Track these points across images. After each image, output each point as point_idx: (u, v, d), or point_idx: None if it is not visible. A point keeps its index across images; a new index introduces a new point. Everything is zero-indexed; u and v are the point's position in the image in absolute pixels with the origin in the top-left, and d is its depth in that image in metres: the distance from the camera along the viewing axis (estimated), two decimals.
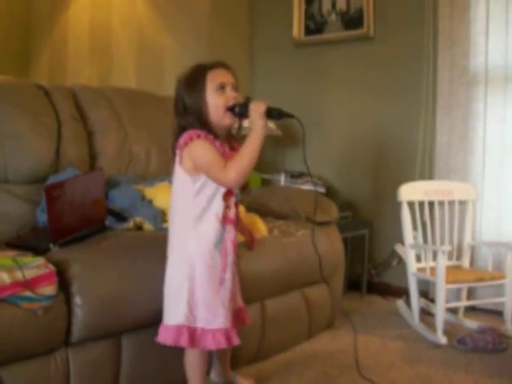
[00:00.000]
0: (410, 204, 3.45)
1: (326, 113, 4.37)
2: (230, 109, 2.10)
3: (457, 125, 3.71)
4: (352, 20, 4.15)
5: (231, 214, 2.15)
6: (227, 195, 2.13)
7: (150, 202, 2.87)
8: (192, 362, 2.20)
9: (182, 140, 2.06)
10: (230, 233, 2.15)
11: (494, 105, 3.62)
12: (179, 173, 2.12)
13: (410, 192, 3.46)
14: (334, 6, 4.23)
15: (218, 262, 2.12)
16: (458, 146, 3.70)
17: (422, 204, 3.49)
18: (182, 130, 2.10)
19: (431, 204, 3.52)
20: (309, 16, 4.36)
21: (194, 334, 2.11)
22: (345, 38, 4.22)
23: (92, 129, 3.10)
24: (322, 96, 4.38)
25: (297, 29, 4.42)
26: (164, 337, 2.12)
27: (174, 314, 2.12)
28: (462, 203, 3.56)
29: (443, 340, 3.07)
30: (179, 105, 2.13)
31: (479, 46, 3.63)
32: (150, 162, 3.31)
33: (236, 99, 2.10)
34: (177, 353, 2.21)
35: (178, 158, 2.10)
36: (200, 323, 2.11)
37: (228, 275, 2.15)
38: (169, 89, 4.12)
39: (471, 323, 3.36)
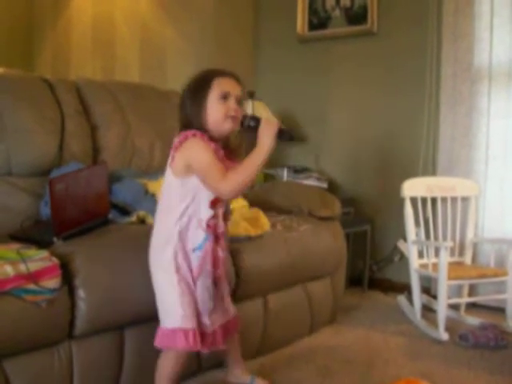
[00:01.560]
0: (413, 200, 3.45)
1: (329, 108, 4.37)
2: (241, 120, 2.08)
3: (460, 120, 3.70)
4: (356, 15, 4.14)
5: (218, 225, 2.13)
6: (214, 203, 2.09)
7: (153, 195, 2.87)
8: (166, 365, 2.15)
9: (176, 139, 2.04)
10: (212, 244, 2.12)
11: (498, 100, 3.61)
12: (167, 174, 2.11)
13: (413, 188, 3.46)
14: (337, 1, 4.22)
15: (191, 266, 2.10)
16: (462, 142, 3.69)
17: (424, 200, 3.49)
18: (182, 130, 2.09)
19: (434, 200, 3.52)
20: (313, 11, 4.36)
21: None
22: (349, 34, 4.21)
23: (95, 122, 3.09)
24: (325, 91, 4.37)
25: (301, 24, 4.41)
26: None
27: None
28: (465, 199, 3.56)
29: (445, 336, 3.07)
30: (182, 105, 2.11)
31: (483, 41, 3.62)
32: (154, 155, 3.31)
33: (236, 112, 2.06)
34: None
35: (169, 159, 2.08)
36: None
37: (201, 283, 2.12)
38: (172, 83, 4.17)
39: (473, 320, 3.36)
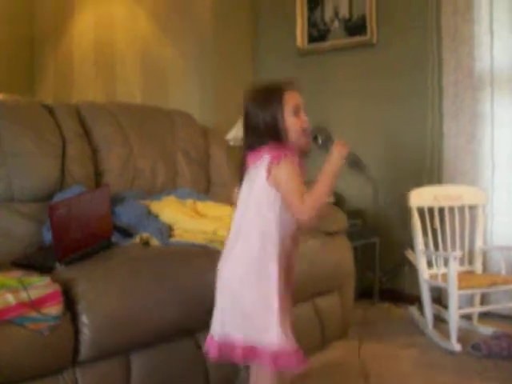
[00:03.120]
0: (420, 209, 3.41)
1: (330, 120, 4.33)
2: (313, 137, 2.06)
3: (464, 128, 3.67)
4: (355, 27, 4.14)
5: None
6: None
7: (157, 216, 2.85)
8: None
9: (269, 155, 1.99)
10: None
11: (501, 106, 3.59)
12: (263, 186, 2.03)
13: (420, 198, 3.43)
14: (336, 13, 4.22)
15: None
16: (466, 150, 3.67)
17: (431, 209, 3.46)
18: (253, 146, 2.05)
19: (441, 209, 3.49)
20: (312, 24, 4.35)
21: None
22: (348, 45, 4.21)
23: (97, 145, 3.09)
24: (326, 104, 4.35)
25: (300, 37, 4.40)
26: None
27: None
28: (472, 208, 3.52)
29: (457, 347, 3.03)
30: (252, 122, 2.05)
31: (484, 46, 3.61)
32: (156, 176, 3.30)
33: (308, 124, 2.05)
34: (186, 370, 2.19)
35: (264, 173, 2.01)
36: None
37: None
38: (173, 102, 4.17)
39: (485, 329, 3.32)
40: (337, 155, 2.01)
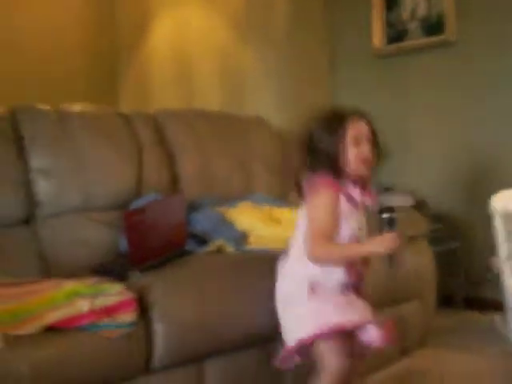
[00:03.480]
0: (505, 214, 3.27)
1: (411, 123, 4.25)
2: (379, 212, 2.02)
3: None
4: (433, 25, 4.02)
5: None
6: None
7: (232, 223, 2.85)
8: None
9: (314, 184, 2.04)
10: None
11: None
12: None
13: (504, 201, 3.29)
14: (414, 12, 4.12)
15: None
16: None
17: None
18: (314, 169, 2.07)
19: None
20: (389, 24, 4.27)
21: None
22: (426, 45, 4.10)
23: (173, 153, 3.13)
24: (406, 105, 4.26)
25: (377, 38, 4.32)
26: None
27: None
28: None
29: None
30: (311, 144, 2.07)
31: None
32: (232, 183, 3.31)
33: (369, 155, 2.04)
34: (260, 379, 2.17)
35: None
36: None
37: None
38: (251, 108, 4.17)
39: None
40: (378, 247, 1.96)
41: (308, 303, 2.04)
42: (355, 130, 2.03)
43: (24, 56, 4.84)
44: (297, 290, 2.07)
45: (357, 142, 2.03)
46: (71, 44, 5.21)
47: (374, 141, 2.08)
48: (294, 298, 2.08)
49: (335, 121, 2.05)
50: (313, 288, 2.03)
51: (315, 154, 2.06)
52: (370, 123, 2.10)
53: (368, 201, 2.11)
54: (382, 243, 1.94)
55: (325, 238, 1.99)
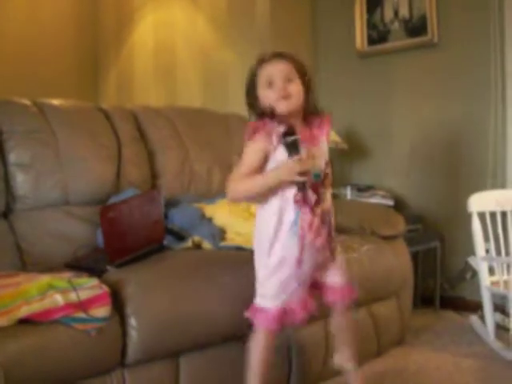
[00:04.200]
0: (482, 214, 3.30)
1: (392, 123, 4.27)
2: (283, 134, 2.02)
3: None
4: (415, 27, 4.04)
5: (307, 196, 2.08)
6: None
7: (210, 220, 2.86)
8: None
9: (246, 131, 2.11)
10: (305, 215, 2.07)
11: None
12: None
13: (481, 202, 3.32)
14: (396, 13, 4.14)
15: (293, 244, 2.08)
16: None
17: (493, 214, 3.34)
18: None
19: (504, 214, 3.36)
20: (371, 25, 4.29)
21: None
22: (409, 46, 4.11)
23: (152, 149, 3.13)
24: (387, 106, 4.28)
25: (360, 39, 4.34)
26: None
27: None
28: None
29: None
30: (246, 93, 2.16)
31: None
32: (212, 180, 3.32)
33: (285, 91, 2.04)
34: (235, 375, 2.18)
35: None
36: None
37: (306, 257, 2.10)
38: (233, 106, 4.17)
39: None
40: (285, 175, 2.00)
41: (263, 269, 2.12)
42: (266, 72, 2.07)
43: (6, 53, 4.82)
44: (258, 248, 2.14)
45: (269, 83, 2.05)
46: (53, 41, 5.20)
47: (301, 78, 2.09)
48: (257, 255, 2.15)
49: (252, 68, 2.12)
50: (271, 244, 2.08)
51: (248, 101, 2.14)
52: (292, 62, 2.09)
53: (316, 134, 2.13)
54: (289, 171, 1.98)
55: (241, 176, 2.06)
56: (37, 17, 5.09)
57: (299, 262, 2.07)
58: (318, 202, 2.09)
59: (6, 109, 2.72)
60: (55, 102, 2.90)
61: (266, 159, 2.05)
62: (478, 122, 3.81)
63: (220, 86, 4.57)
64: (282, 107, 2.05)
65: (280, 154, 2.03)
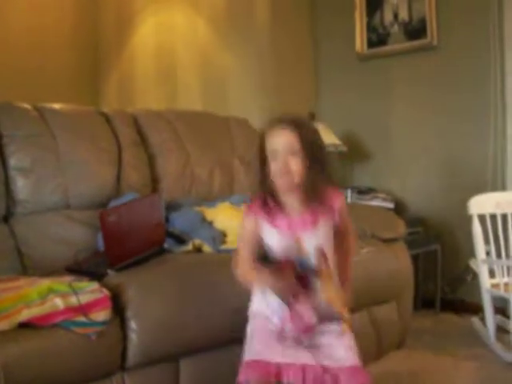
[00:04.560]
0: (482, 217, 3.31)
1: (392, 126, 4.27)
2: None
3: None
4: (415, 30, 4.05)
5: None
6: None
7: (211, 223, 2.86)
8: None
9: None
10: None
11: None
12: None
13: (481, 205, 3.32)
14: (396, 16, 4.15)
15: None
16: None
17: (493, 217, 3.34)
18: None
19: (504, 216, 3.37)
20: (371, 29, 4.30)
21: None
22: (408, 49, 4.13)
23: (153, 152, 3.14)
24: (388, 108, 4.29)
25: (359, 42, 4.35)
26: None
27: None
28: None
29: None
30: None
31: None
32: (213, 183, 3.32)
33: (284, 169, 1.90)
34: (235, 378, 2.18)
35: None
36: None
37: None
38: (233, 109, 4.18)
39: None
40: (274, 289, 1.92)
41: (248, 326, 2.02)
42: (270, 144, 1.93)
43: (7, 54, 4.82)
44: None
45: (273, 156, 1.92)
46: (54, 44, 5.20)
47: (307, 150, 1.91)
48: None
49: (260, 137, 1.98)
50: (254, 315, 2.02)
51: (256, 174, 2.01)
52: (299, 131, 1.91)
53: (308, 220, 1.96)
54: (278, 287, 1.90)
55: (240, 258, 1.99)
56: (38, 21, 5.09)
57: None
58: (306, 295, 1.93)
59: (7, 113, 2.72)
60: (56, 106, 2.91)
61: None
62: (478, 124, 3.82)
63: (220, 90, 4.58)
64: (281, 185, 1.93)
65: (267, 234, 1.98)
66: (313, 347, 1.90)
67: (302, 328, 1.91)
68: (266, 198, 1.96)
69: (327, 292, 1.93)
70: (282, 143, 1.91)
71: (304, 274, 1.93)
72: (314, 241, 1.94)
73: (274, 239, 1.96)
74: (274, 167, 1.91)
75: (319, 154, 1.94)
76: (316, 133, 2.01)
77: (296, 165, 1.90)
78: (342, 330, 1.97)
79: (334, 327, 1.96)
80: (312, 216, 1.95)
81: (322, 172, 1.94)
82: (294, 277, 1.90)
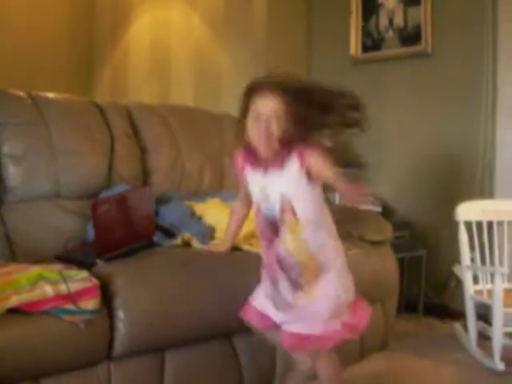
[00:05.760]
0: (468, 224, 3.34)
1: (383, 131, 4.30)
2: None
3: None
4: (409, 36, 4.09)
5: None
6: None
7: (200, 218, 2.87)
8: None
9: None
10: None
11: None
12: None
13: (468, 212, 3.36)
14: (391, 22, 4.18)
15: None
16: None
17: (479, 224, 3.38)
18: None
19: (490, 224, 3.40)
20: (366, 33, 4.32)
21: None
22: (402, 55, 4.16)
23: (145, 145, 3.14)
24: (379, 113, 4.30)
25: (354, 46, 4.38)
26: None
27: None
28: None
29: (501, 366, 2.94)
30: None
31: None
32: (203, 178, 3.33)
33: (260, 132, 1.96)
34: (220, 372, 2.20)
35: None
36: None
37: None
38: (226, 106, 4.19)
39: None
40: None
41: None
42: (255, 105, 1.98)
43: (2, 47, 4.82)
44: None
45: (255, 117, 1.98)
46: (49, 36, 5.20)
47: (292, 113, 1.96)
48: None
49: (247, 90, 2.04)
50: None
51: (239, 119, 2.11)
52: (285, 96, 1.95)
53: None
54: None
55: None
56: (33, 13, 5.08)
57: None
58: (272, 240, 2.02)
59: (2, 100, 2.72)
60: (50, 95, 2.91)
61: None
62: (468, 132, 3.85)
63: (213, 86, 4.59)
64: (258, 146, 2.01)
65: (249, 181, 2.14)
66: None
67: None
68: (250, 148, 2.06)
69: (286, 244, 1.99)
70: (267, 107, 1.95)
71: (272, 220, 2.01)
72: (278, 188, 2.01)
73: (254, 186, 2.11)
74: (255, 129, 1.98)
75: (306, 112, 1.96)
76: (305, 92, 2.00)
77: (277, 130, 1.96)
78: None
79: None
80: (278, 166, 2.00)
81: (306, 131, 1.99)
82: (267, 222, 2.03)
